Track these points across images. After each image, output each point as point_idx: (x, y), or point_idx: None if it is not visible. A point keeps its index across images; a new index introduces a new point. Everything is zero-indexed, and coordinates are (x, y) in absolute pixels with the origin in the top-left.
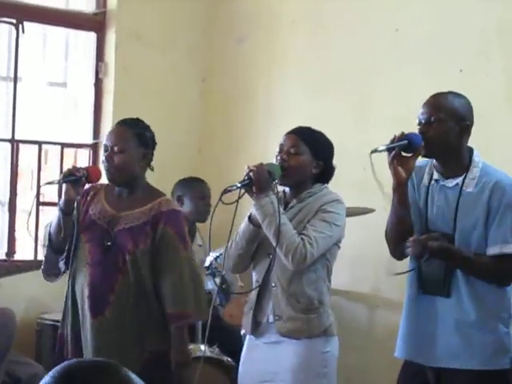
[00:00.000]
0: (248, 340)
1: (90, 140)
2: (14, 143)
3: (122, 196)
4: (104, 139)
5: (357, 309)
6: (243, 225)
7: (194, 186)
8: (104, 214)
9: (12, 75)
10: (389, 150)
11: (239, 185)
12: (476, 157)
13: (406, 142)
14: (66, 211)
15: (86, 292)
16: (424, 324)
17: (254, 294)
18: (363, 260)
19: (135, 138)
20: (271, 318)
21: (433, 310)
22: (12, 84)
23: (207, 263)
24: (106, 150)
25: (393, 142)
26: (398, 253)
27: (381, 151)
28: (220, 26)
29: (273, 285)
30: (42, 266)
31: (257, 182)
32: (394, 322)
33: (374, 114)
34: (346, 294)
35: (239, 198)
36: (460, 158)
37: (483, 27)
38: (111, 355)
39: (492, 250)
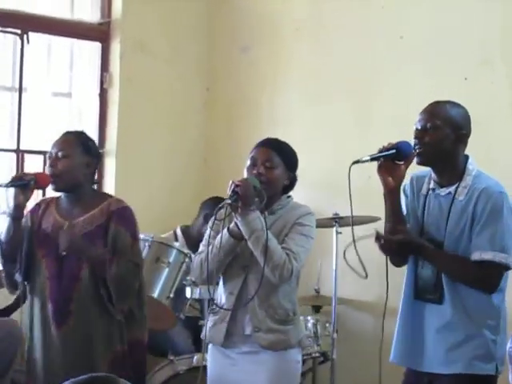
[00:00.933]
0: (214, 350)
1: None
2: (19, 153)
3: (71, 205)
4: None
5: (362, 317)
6: (223, 238)
7: (211, 205)
8: (56, 225)
9: (17, 85)
10: (373, 160)
11: (229, 201)
12: (470, 165)
13: (392, 151)
14: (15, 216)
15: (50, 306)
16: (415, 329)
17: (227, 306)
18: (368, 269)
19: (80, 145)
20: (248, 330)
21: (422, 315)
22: (17, 94)
23: None
24: (49, 158)
25: (381, 151)
26: (395, 259)
27: (364, 162)
28: (224, 35)
29: (250, 296)
30: (3, 278)
31: (244, 198)
32: None
33: (377, 122)
34: (351, 303)
35: (227, 215)
36: (455, 167)
37: (487, 36)
38: (80, 362)
39: (474, 256)
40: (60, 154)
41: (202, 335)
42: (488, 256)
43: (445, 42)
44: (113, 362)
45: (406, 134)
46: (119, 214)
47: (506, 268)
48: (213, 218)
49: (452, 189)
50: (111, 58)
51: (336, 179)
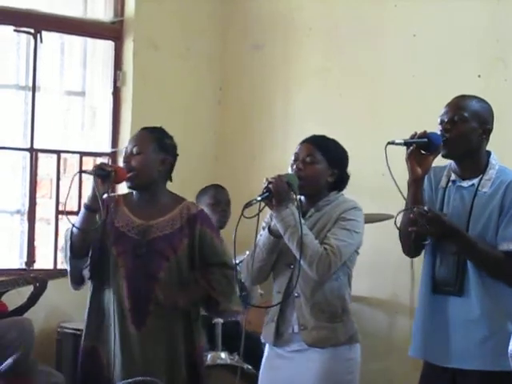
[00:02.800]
0: (269, 350)
1: (108, 149)
2: (33, 152)
3: (145, 204)
4: (123, 146)
5: (377, 315)
6: (263, 237)
7: (207, 193)
8: (132, 224)
9: (30, 84)
10: (406, 144)
11: (259, 198)
12: (493, 159)
13: (425, 139)
14: (92, 207)
15: (127, 305)
16: (436, 323)
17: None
18: (383, 266)
19: (154, 141)
20: (296, 329)
21: (444, 309)
22: (30, 93)
23: None
24: (125, 154)
25: (413, 137)
26: (411, 251)
27: (398, 144)
28: (237, 33)
29: (296, 295)
30: (68, 273)
31: (276, 194)
32: None
33: (392, 120)
34: (365, 301)
35: (260, 211)
36: (478, 160)
37: (500, 33)
38: (159, 362)
39: (501, 247)
40: (135, 149)
41: (262, 337)
42: None
43: (458, 39)
44: (191, 363)
45: (420, 130)
46: (202, 216)
47: None
48: (240, 214)
49: (475, 181)
50: (124, 56)
51: (350, 177)
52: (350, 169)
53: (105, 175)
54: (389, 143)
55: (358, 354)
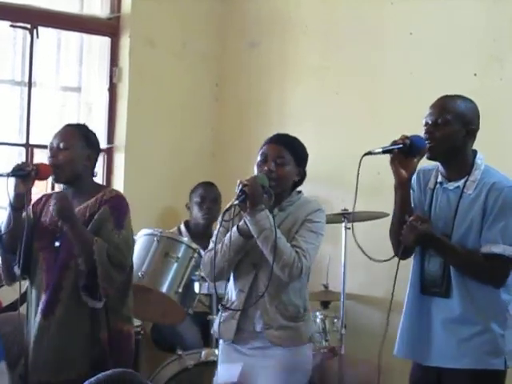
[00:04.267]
0: (225, 346)
1: (104, 145)
2: (29, 148)
3: (71, 198)
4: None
5: (371, 313)
6: (232, 236)
7: (196, 191)
8: (53, 218)
9: (26, 80)
10: (384, 152)
11: (237, 202)
12: (479, 159)
13: (401, 145)
14: (15, 206)
15: (44, 297)
16: (421, 324)
17: (237, 303)
18: (377, 264)
19: (81, 137)
20: (258, 327)
21: (429, 309)
22: (26, 89)
23: None
24: (50, 149)
25: (393, 143)
26: (400, 251)
27: (376, 153)
28: (233, 30)
29: (260, 293)
30: (0, 270)
31: (251, 197)
32: None
33: (387, 118)
34: (360, 298)
35: (235, 216)
36: (463, 161)
37: (496, 32)
38: (64, 352)
39: (483, 249)
40: (61, 145)
41: (212, 331)
42: (498, 249)
43: (454, 38)
44: (96, 352)
45: (416, 130)
46: (111, 199)
47: None
48: (220, 218)
49: (461, 183)
50: (121, 52)
51: (345, 175)
52: (347, 167)
53: (23, 175)
54: (366, 154)
55: (311, 351)
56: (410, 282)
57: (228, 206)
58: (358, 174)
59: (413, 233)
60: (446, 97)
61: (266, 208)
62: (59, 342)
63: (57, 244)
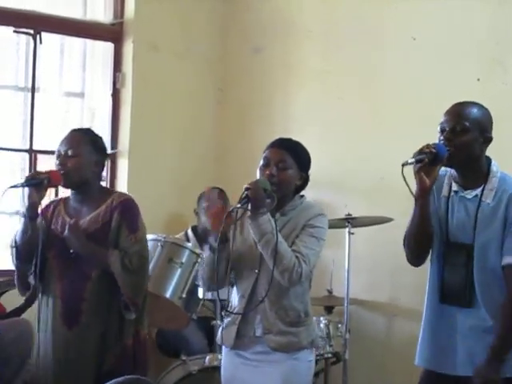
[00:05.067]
0: (227, 352)
1: (108, 150)
2: (32, 153)
3: (79, 204)
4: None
5: (374, 318)
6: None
7: (203, 196)
8: (64, 225)
9: (30, 86)
10: (418, 161)
11: (239, 205)
12: (494, 166)
13: (433, 153)
14: (30, 215)
15: (62, 306)
16: (444, 333)
17: (239, 308)
18: (381, 269)
19: (88, 143)
20: (259, 332)
21: (453, 319)
22: (30, 94)
23: None
24: (58, 156)
25: (420, 152)
26: (414, 259)
27: (411, 163)
28: (236, 35)
29: (260, 299)
30: (15, 280)
31: (253, 200)
32: (412, 330)
33: (391, 123)
34: (363, 303)
35: (238, 218)
36: (479, 169)
37: (499, 36)
38: (89, 360)
39: (505, 260)
40: (69, 152)
41: (218, 339)
42: None
43: (457, 42)
44: (121, 359)
45: (419, 133)
46: (121, 206)
47: None
48: (223, 223)
49: (478, 191)
50: (124, 58)
51: (349, 179)
52: (351, 172)
53: (37, 184)
54: (403, 165)
55: (313, 356)
56: (428, 291)
57: (230, 210)
58: (406, 182)
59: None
60: (463, 103)
61: (268, 212)
62: (85, 352)
63: (72, 251)
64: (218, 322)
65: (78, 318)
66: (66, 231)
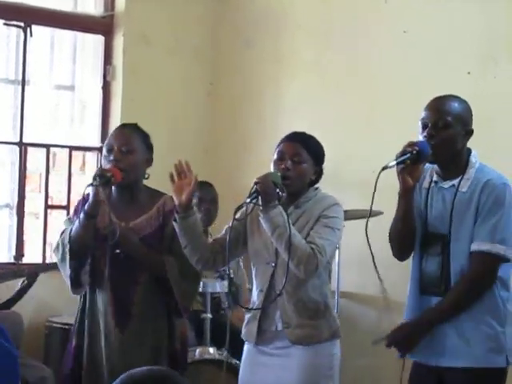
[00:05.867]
0: (250, 348)
1: (97, 143)
2: (22, 146)
3: (125, 204)
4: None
5: (365, 311)
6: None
7: None
8: (110, 225)
9: (20, 78)
10: (398, 164)
11: (248, 200)
12: (473, 157)
13: (414, 153)
14: (92, 213)
15: (113, 308)
16: None
17: (258, 303)
18: (371, 262)
19: (142, 141)
20: (279, 326)
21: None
22: (20, 87)
23: None
24: (110, 151)
25: (402, 153)
26: (399, 255)
27: (391, 167)
28: (227, 28)
29: (278, 292)
30: (68, 277)
31: (264, 194)
32: None
33: (381, 116)
34: (354, 297)
35: (248, 213)
36: (459, 161)
37: (491, 30)
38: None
39: (472, 247)
40: (124, 148)
41: (242, 335)
42: (486, 247)
43: (448, 36)
44: (171, 364)
45: (410, 128)
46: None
47: (505, 260)
48: (232, 219)
49: (455, 181)
50: (114, 51)
51: (341, 174)
52: (341, 165)
53: (106, 182)
54: (383, 169)
55: (338, 349)
56: (410, 284)
57: (240, 204)
58: (375, 190)
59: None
60: (443, 97)
61: (280, 205)
62: (136, 355)
63: (117, 251)
64: (208, 315)
65: (129, 321)
66: (118, 235)
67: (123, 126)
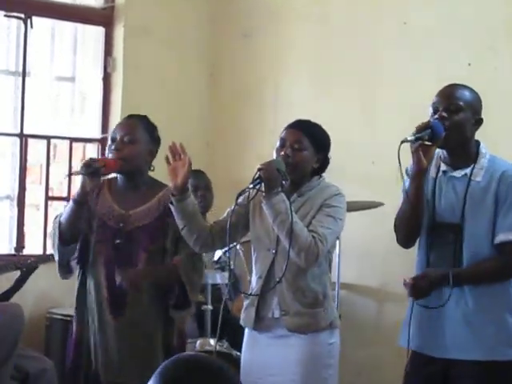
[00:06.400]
0: (249, 334)
1: (98, 134)
2: (23, 138)
3: (127, 192)
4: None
5: (365, 303)
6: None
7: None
8: (112, 213)
9: (20, 70)
10: (417, 139)
11: (251, 186)
12: (483, 148)
13: (429, 130)
14: (80, 201)
15: (105, 294)
16: (431, 315)
17: (256, 289)
18: (371, 254)
19: (146, 132)
20: (277, 313)
21: (439, 301)
22: (20, 79)
23: (216, 257)
24: (113, 141)
25: (419, 130)
26: (405, 241)
27: (410, 141)
28: (227, 20)
29: (277, 280)
30: (57, 262)
31: (267, 181)
32: (402, 315)
33: (381, 108)
34: (354, 288)
35: (251, 199)
36: (469, 150)
37: (491, 21)
38: (133, 355)
39: (498, 238)
40: (126, 138)
41: (241, 320)
42: None
43: (448, 27)
44: (169, 350)
45: (410, 119)
46: None
47: None
48: (234, 203)
49: (467, 170)
50: (115, 42)
51: (342, 165)
52: (341, 156)
53: (93, 172)
54: (402, 142)
55: (338, 339)
56: (416, 274)
57: (242, 190)
58: (400, 162)
59: (426, 285)
60: (455, 85)
61: (282, 192)
62: (130, 344)
63: (118, 241)
64: (209, 306)
65: (123, 310)
66: (127, 284)
67: (129, 117)
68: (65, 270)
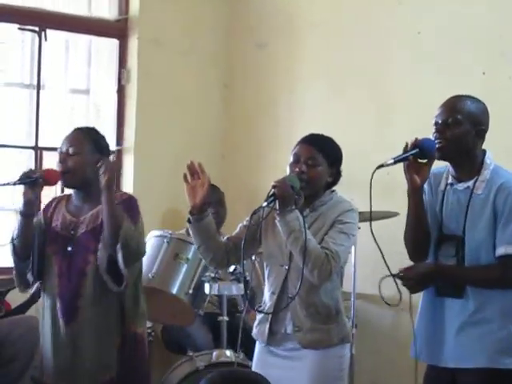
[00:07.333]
0: (261, 348)
1: (113, 146)
2: (38, 150)
3: (80, 202)
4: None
5: (381, 313)
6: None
7: None
8: (64, 223)
9: (35, 83)
10: (396, 162)
11: (265, 204)
12: (488, 159)
13: (415, 151)
14: (26, 213)
15: (58, 303)
16: (436, 325)
17: (270, 305)
18: (388, 263)
19: (91, 142)
20: (289, 329)
21: (443, 311)
22: (35, 91)
23: (231, 269)
24: (60, 153)
25: (405, 150)
26: (415, 256)
27: (388, 165)
28: (241, 31)
29: (290, 295)
30: (14, 277)
31: (281, 198)
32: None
33: (396, 117)
34: (370, 298)
35: (265, 217)
36: (473, 162)
37: (505, 30)
38: (90, 356)
39: (498, 251)
40: (70, 150)
41: (253, 334)
42: None
43: (462, 36)
44: (125, 352)
45: (424, 129)
46: (125, 205)
47: None
48: (248, 221)
49: (470, 183)
50: (129, 54)
51: (356, 175)
52: (355, 167)
53: (31, 182)
54: (378, 167)
55: (348, 351)
56: None
57: (256, 208)
58: (371, 188)
59: (413, 275)
60: (456, 97)
61: (297, 209)
62: (83, 349)
63: (69, 249)
64: (225, 318)
65: (76, 315)
66: (103, 171)
67: (75, 130)
68: (23, 284)
